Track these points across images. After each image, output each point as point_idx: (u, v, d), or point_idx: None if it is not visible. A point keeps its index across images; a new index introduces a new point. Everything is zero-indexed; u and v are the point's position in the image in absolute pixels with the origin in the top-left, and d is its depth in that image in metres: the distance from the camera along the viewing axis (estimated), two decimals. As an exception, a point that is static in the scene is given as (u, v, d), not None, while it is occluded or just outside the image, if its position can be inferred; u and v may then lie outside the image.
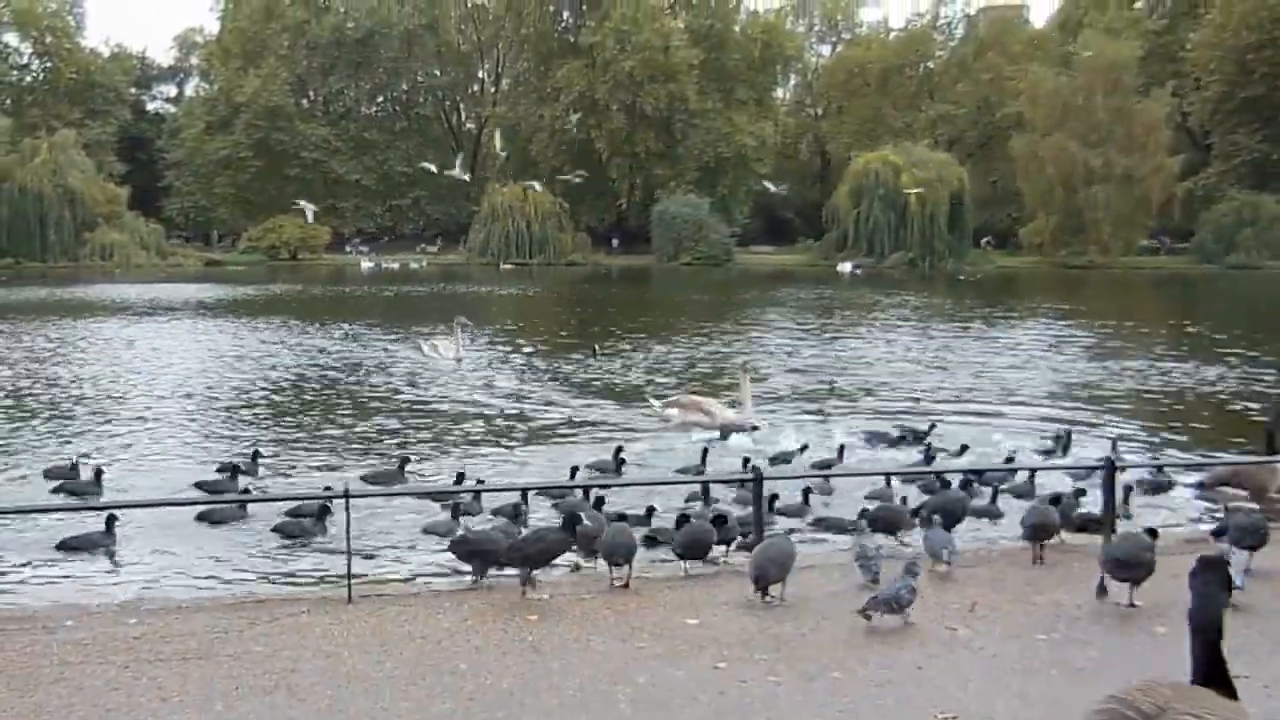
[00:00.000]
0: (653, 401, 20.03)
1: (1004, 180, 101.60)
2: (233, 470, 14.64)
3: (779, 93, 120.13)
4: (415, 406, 22.24)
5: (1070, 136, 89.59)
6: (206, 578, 11.17)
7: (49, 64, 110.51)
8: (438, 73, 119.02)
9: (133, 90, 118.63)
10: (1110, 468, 11.06)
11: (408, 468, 15.26)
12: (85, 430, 19.76)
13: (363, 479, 14.73)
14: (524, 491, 13.25)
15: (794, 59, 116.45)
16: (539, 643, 8.04)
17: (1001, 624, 8.50)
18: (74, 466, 15.07)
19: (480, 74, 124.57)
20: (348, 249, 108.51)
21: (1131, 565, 8.70)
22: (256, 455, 15.96)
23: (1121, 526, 11.12)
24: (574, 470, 14.48)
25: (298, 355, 30.81)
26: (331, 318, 42.14)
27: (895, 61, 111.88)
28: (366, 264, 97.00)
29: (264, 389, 24.70)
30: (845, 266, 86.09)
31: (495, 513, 12.81)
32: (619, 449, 16.04)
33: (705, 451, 16.03)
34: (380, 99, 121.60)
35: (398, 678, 7.37)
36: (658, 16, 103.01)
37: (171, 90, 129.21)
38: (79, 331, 38.15)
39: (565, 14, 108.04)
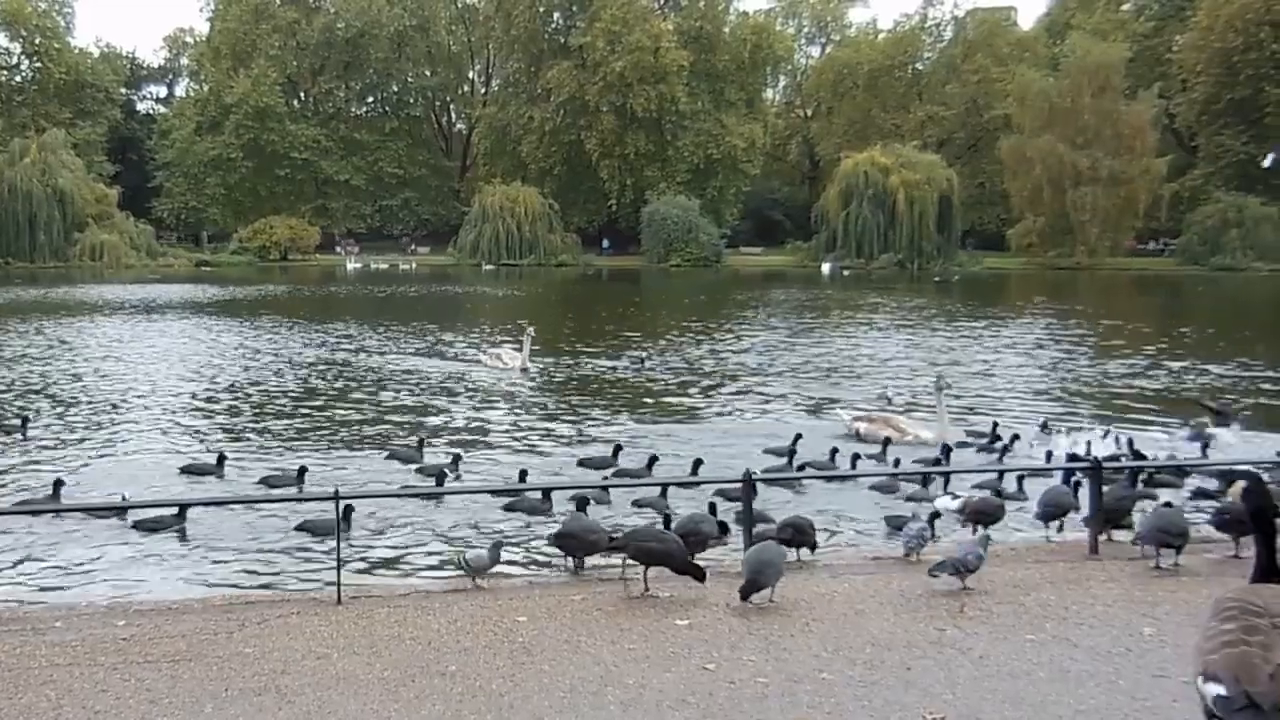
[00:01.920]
0: (841, 414, 19.55)
1: (992, 181, 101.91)
2: (439, 473, 14.91)
3: (768, 94, 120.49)
4: (510, 419, 21.61)
5: (1058, 138, 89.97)
6: (196, 579, 11.16)
7: (38, 64, 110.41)
8: (428, 73, 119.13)
9: (123, 90, 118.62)
10: (1096, 467, 11.11)
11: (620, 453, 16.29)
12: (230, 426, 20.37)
13: (580, 463, 16.24)
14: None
15: (783, 60, 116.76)
16: (529, 644, 8.04)
17: (990, 624, 8.52)
18: (219, 461, 15.75)
19: (470, 75, 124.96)
20: (338, 249, 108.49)
21: (1173, 532, 10.05)
22: (458, 459, 16.17)
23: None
24: (793, 453, 15.95)
25: (354, 365, 29.75)
26: (358, 320, 42.31)
27: (884, 63, 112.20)
28: (352, 265, 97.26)
29: (337, 396, 24.39)
30: (826, 266, 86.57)
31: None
32: (799, 435, 17.09)
33: (886, 442, 16.98)
34: (370, 99, 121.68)
35: (387, 679, 7.36)
36: (648, 18, 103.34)
37: (161, 91, 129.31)
38: (122, 330, 38.87)
39: (555, 15, 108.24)
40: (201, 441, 18.74)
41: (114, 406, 22.27)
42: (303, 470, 14.93)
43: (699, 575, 9.22)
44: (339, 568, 9.60)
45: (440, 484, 14.26)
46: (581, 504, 12.34)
